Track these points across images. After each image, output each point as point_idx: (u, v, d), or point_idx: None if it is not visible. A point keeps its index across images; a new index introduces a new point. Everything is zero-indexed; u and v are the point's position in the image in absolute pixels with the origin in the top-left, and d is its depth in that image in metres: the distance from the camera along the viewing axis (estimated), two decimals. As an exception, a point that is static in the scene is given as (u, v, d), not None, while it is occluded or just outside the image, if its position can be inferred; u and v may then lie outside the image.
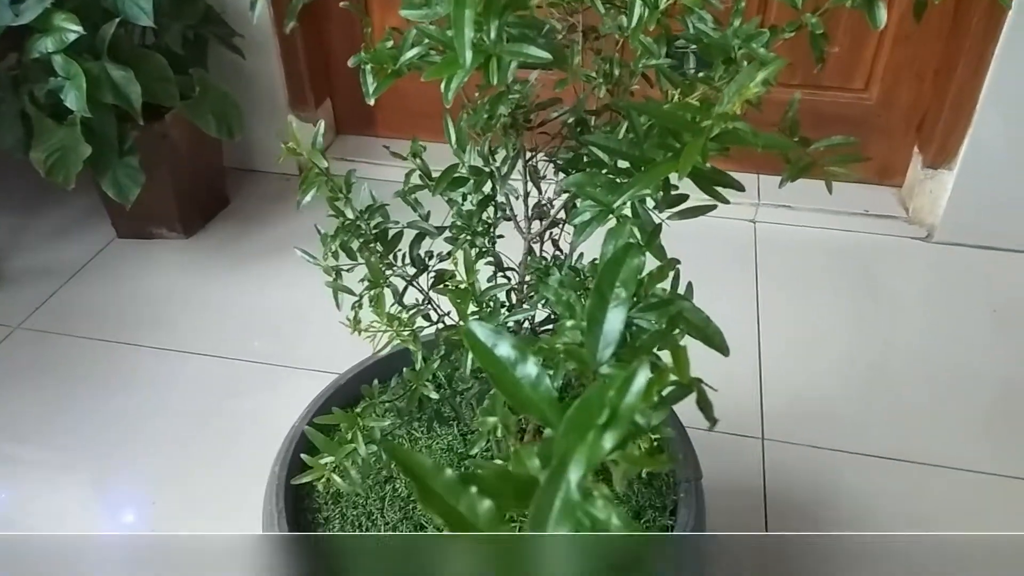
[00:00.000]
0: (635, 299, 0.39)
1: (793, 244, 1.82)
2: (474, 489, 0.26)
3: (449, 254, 0.71)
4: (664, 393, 0.36)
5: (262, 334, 1.57)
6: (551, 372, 0.34)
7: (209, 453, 1.33)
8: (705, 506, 0.87)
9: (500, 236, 0.75)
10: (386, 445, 0.29)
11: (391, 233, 0.71)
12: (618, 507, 0.26)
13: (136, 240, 1.81)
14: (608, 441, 0.27)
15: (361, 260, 0.67)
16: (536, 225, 0.75)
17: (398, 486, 0.87)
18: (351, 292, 0.66)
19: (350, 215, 0.64)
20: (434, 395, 0.69)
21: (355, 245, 0.67)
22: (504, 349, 0.32)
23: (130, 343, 1.55)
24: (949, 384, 1.48)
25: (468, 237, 0.69)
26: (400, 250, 0.71)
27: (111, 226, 1.82)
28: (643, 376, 0.28)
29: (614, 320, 0.36)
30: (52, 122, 1.48)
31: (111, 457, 1.32)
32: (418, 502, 0.27)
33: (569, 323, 0.42)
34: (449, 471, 0.27)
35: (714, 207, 0.60)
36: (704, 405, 0.40)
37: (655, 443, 0.69)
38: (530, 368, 0.31)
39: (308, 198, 0.62)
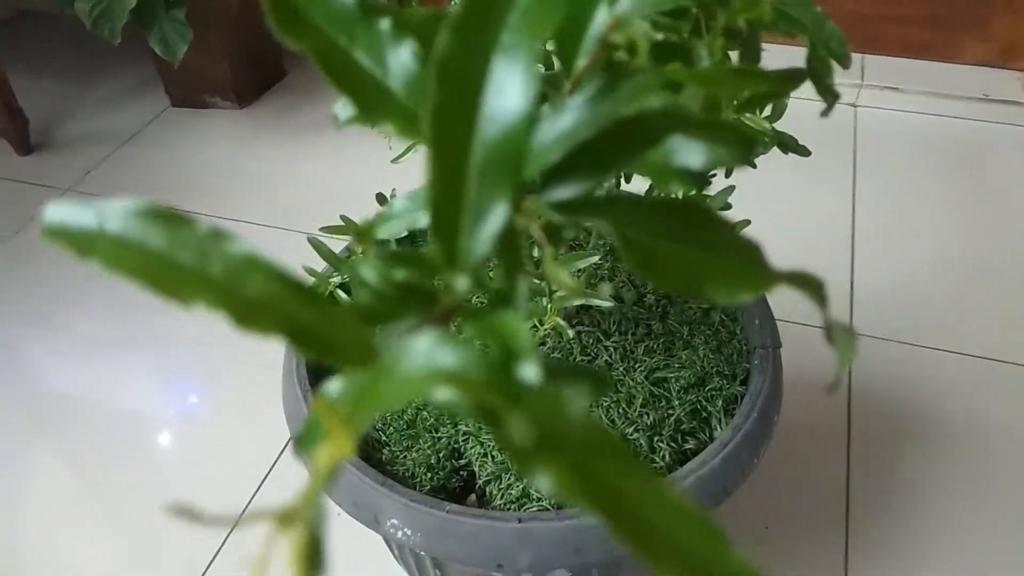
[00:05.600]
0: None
1: (898, 130, 1.63)
2: (385, 24, 0.15)
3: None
4: None
5: (315, 208, 1.48)
6: None
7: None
8: (782, 377, 0.75)
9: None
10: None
11: None
12: None
13: (190, 109, 1.74)
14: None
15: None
16: None
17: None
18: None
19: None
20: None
21: None
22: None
23: (179, 209, 1.49)
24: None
25: None
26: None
27: (165, 94, 1.75)
28: None
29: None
30: (96, -30, 1.40)
31: (158, 325, 1.27)
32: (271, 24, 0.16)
33: None
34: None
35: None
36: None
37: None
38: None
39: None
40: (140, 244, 0.15)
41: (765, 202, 1.45)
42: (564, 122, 0.16)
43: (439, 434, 0.70)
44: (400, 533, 0.63)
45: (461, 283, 0.16)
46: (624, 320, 0.77)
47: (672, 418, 0.71)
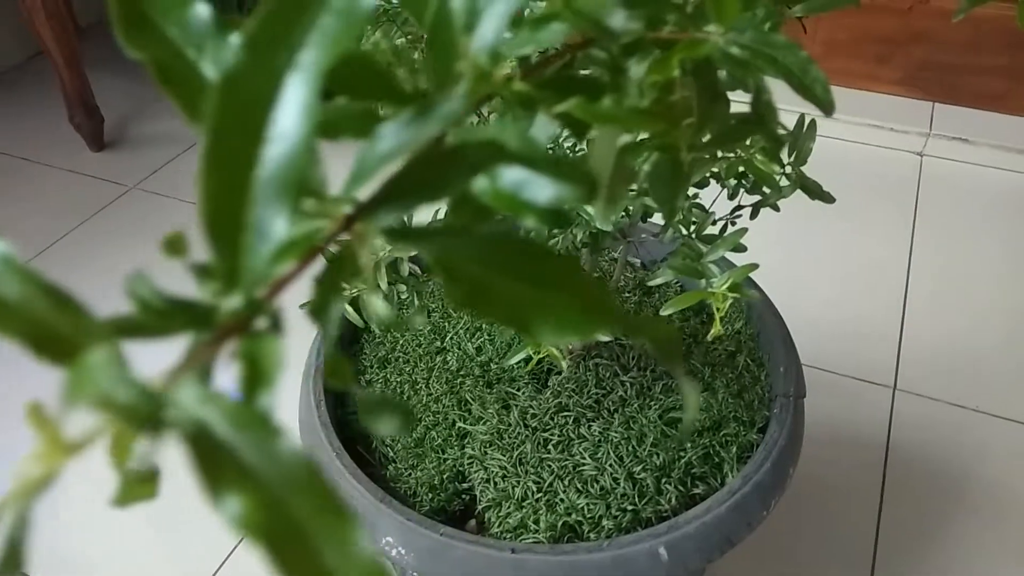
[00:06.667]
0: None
1: (963, 182, 1.58)
2: (236, 38, 0.16)
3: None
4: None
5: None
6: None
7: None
8: (803, 429, 0.73)
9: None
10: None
11: None
12: None
13: (256, 117, 1.80)
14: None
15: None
16: None
17: (448, 358, 0.77)
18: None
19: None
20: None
21: None
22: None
23: None
24: None
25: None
26: None
27: (235, 101, 1.82)
28: None
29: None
30: (177, -20, 1.46)
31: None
32: None
33: None
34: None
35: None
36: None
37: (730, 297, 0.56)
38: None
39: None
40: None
41: (817, 247, 1.42)
42: (381, 147, 0.16)
43: (445, 455, 0.70)
44: (395, 552, 0.63)
45: (233, 301, 0.16)
46: (644, 356, 0.76)
47: (683, 460, 0.69)
